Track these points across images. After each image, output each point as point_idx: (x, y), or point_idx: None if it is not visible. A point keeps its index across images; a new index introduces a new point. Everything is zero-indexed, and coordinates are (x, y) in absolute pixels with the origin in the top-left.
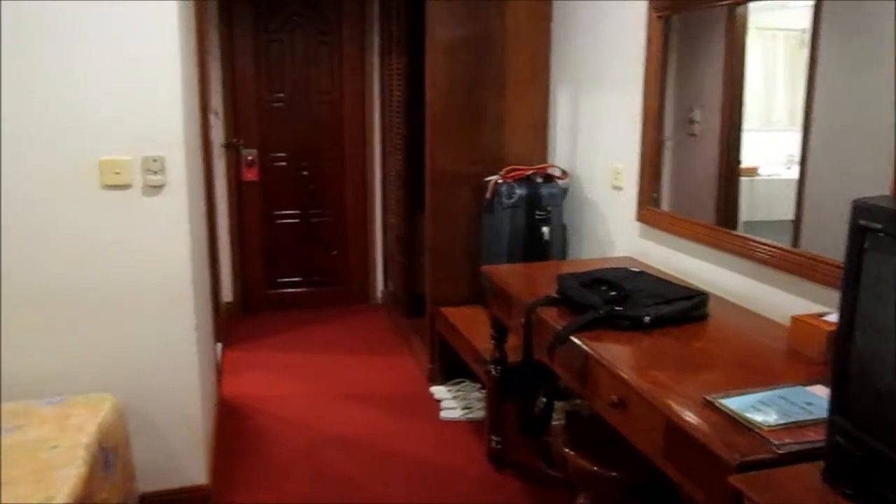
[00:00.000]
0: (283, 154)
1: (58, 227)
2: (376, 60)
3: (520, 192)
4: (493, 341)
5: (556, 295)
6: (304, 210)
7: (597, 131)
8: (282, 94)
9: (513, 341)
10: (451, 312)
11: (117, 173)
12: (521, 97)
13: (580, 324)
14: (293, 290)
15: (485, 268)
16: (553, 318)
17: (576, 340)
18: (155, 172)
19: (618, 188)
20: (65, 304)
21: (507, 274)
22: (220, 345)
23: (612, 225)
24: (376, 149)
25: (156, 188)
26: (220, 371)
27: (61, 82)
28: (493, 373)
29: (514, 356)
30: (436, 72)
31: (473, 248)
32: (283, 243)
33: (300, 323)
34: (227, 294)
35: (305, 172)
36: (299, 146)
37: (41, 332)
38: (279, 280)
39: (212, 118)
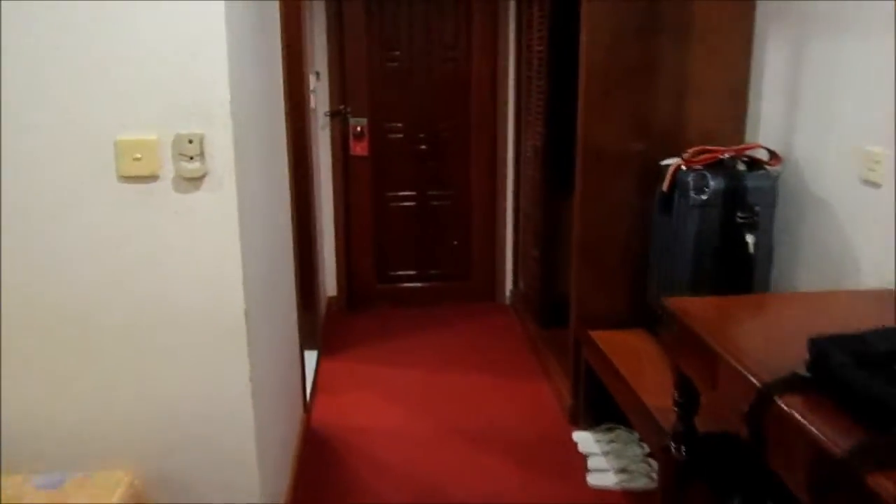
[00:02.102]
0: (397, 124)
1: (57, 235)
2: (512, 7)
3: (714, 184)
4: (676, 409)
5: (807, 373)
6: (420, 191)
7: (832, 97)
8: (397, 52)
9: (705, 403)
10: (604, 338)
11: (138, 158)
12: (712, 49)
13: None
14: (406, 284)
15: (670, 301)
16: (806, 413)
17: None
18: (191, 158)
19: (871, 183)
20: (68, 341)
21: (708, 313)
22: (315, 354)
23: (859, 238)
24: (509, 118)
25: (193, 180)
26: (312, 391)
27: (62, 33)
28: (674, 452)
29: (704, 425)
30: (595, 18)
31: (638, 253)
32: (396, 230)
33: (413, 324)
34: (330, 287)
35: (423, 146)
36: (417, 114)
37: (35, 377)
38: (391, 273)
39: (311, 80)
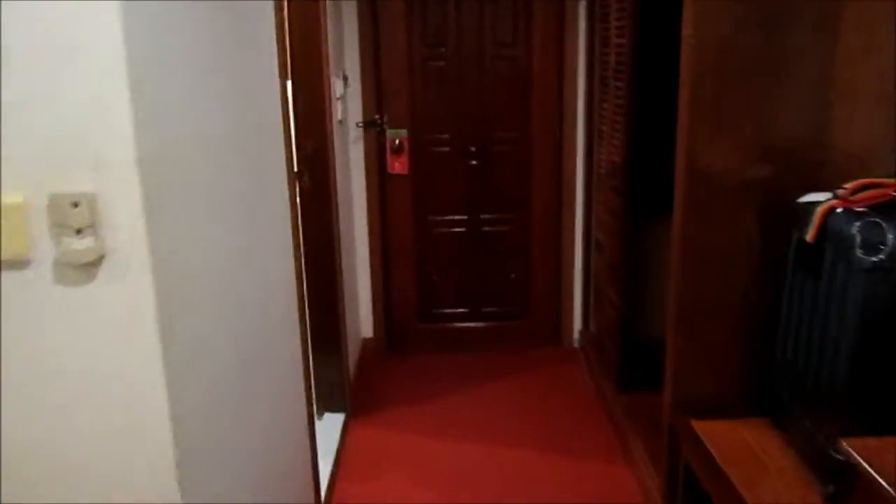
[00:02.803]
0: (443, 136)
1: None
2: None
3: (893, 236)
4: None
5: None
6: (471, 215)
7: None
8: (442, 50)
9: None
10: (711, 433)
11: None
12: (868, 43)
13: None
14: (454, 324)
15: (849, 444)
16: None
17: None
18: (79, 231)
19: None
20: None
21: None
22: (341, 418)
23: None
24: (579, 127)
25: (85, 266)
26: (332, 473)
27: None
28: None
29: None
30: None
31: (760, 321)
32: (443, 260)
33: (461, 374)
34: (365, 327)
35: (474, 161)
36: (466, 124)
37: None
38: (435, 311)
39: (337, 87)
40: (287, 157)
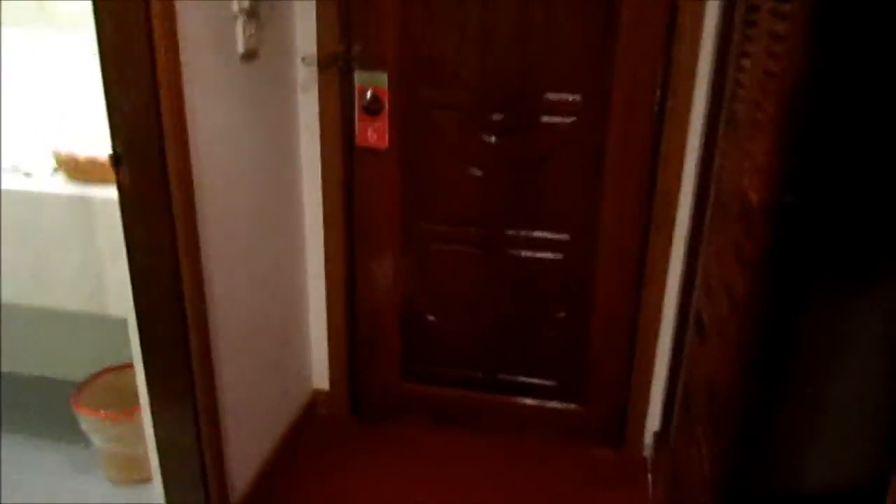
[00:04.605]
0: (449, 90)
1: None
2: None
3: None
4: None
5: None
6: (492, 227)
7: None
8: None
9: None
10: None
11: None
12: None
13: None
14: (456, 390)
15: None
16: None
17: None
18: None
19: None
20: None
21: None
22: None
23: None
24: (697, 102)
25: None
26: None
27: None
28: None
29: None
30: None
31: None
32: (444, 292)
33: (461, 470)
34: (318, 374)
35: (497, 138)
36: (492, 74)
37: None
38: (428, 367)
39: None
40: None
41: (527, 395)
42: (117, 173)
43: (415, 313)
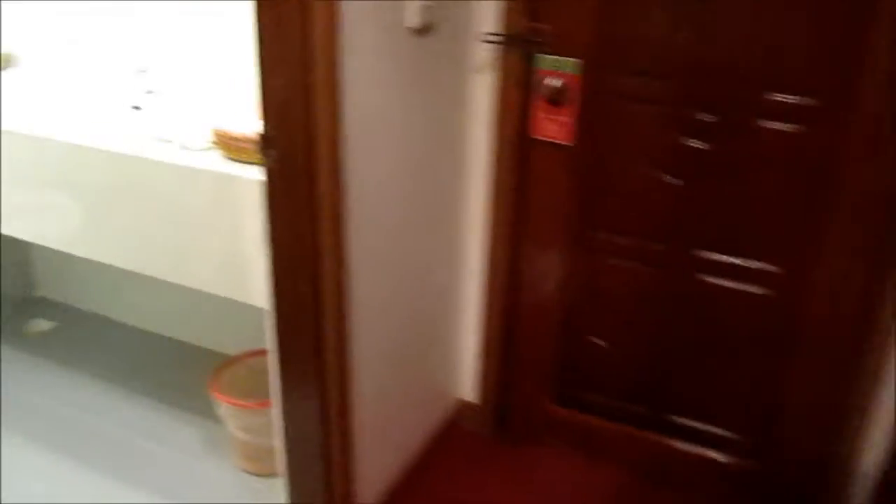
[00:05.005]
0: (649, 82)
1: None
2: None
3: None
4: None
5: None
6: (681, 246)
7: None
8: None
9: None
10: None
11: None
12: None
13: None
14: (617, 424)
15: None
16: None
17: None
18: None
19: None
20: None
21: None
22: None
23: None
24: None
25: None
26: None
27: None
28: None
29: None
30: None
31: None
32: (615, 314)
33: None
34: (463, 387)
35: (701, 142)
36: (704, 64)
37: None
38: (586, 394)
39: None
40: None
41: (698, 442)
42: (265, 156)
43: (577, 332)
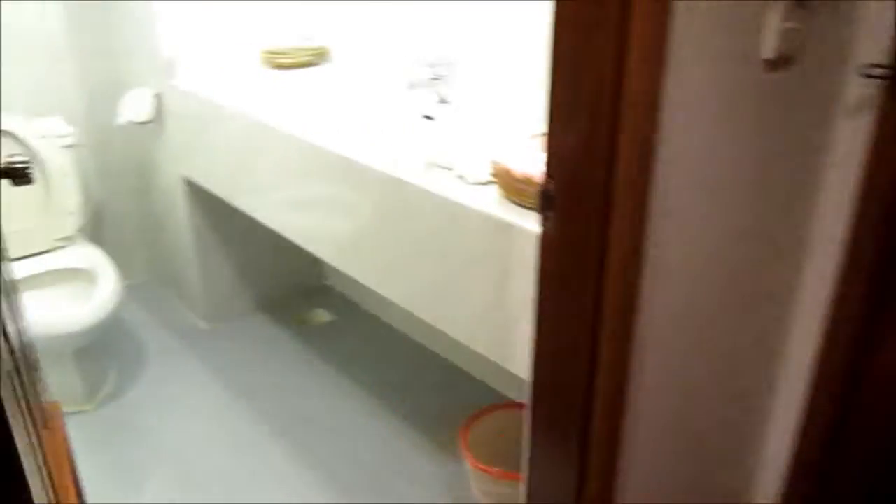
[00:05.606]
0: None
1: None
2: None
3: None
4: None
5: None
6: None
7: None
8: None
9: None
10: None
11: None
12: None
13: None
14: None
15: None
16: None
17: None
18: None
19: None
20: None
21: None
22: None
23: None
24: None
25: None
26: None
27: None
28: None
29: None
30: None
31: None
32: None
33: None
34: (764, 485)
35: None
36: None
37: None
38: None
39: None
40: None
41: None
42: (542, 217)
43: None
